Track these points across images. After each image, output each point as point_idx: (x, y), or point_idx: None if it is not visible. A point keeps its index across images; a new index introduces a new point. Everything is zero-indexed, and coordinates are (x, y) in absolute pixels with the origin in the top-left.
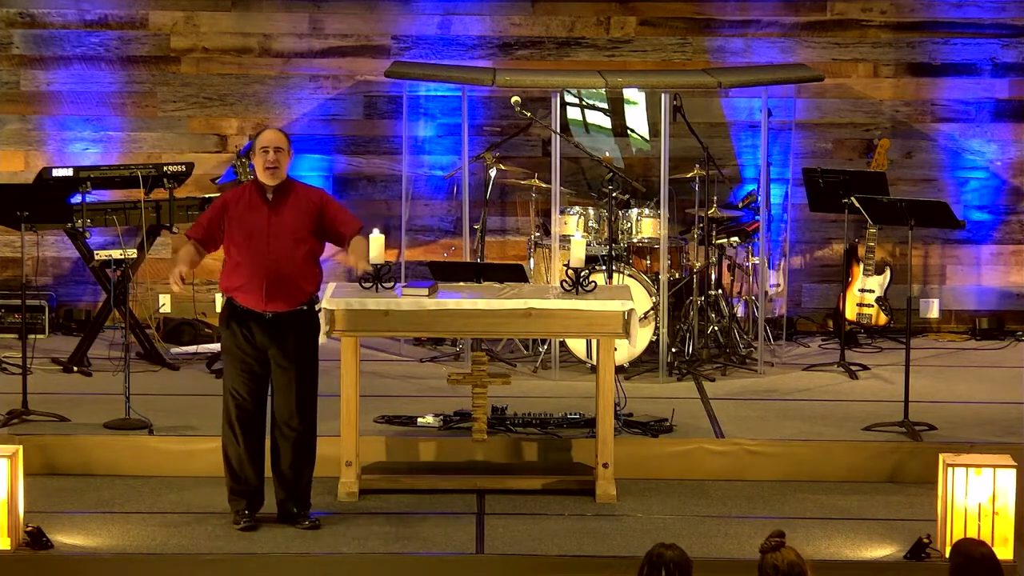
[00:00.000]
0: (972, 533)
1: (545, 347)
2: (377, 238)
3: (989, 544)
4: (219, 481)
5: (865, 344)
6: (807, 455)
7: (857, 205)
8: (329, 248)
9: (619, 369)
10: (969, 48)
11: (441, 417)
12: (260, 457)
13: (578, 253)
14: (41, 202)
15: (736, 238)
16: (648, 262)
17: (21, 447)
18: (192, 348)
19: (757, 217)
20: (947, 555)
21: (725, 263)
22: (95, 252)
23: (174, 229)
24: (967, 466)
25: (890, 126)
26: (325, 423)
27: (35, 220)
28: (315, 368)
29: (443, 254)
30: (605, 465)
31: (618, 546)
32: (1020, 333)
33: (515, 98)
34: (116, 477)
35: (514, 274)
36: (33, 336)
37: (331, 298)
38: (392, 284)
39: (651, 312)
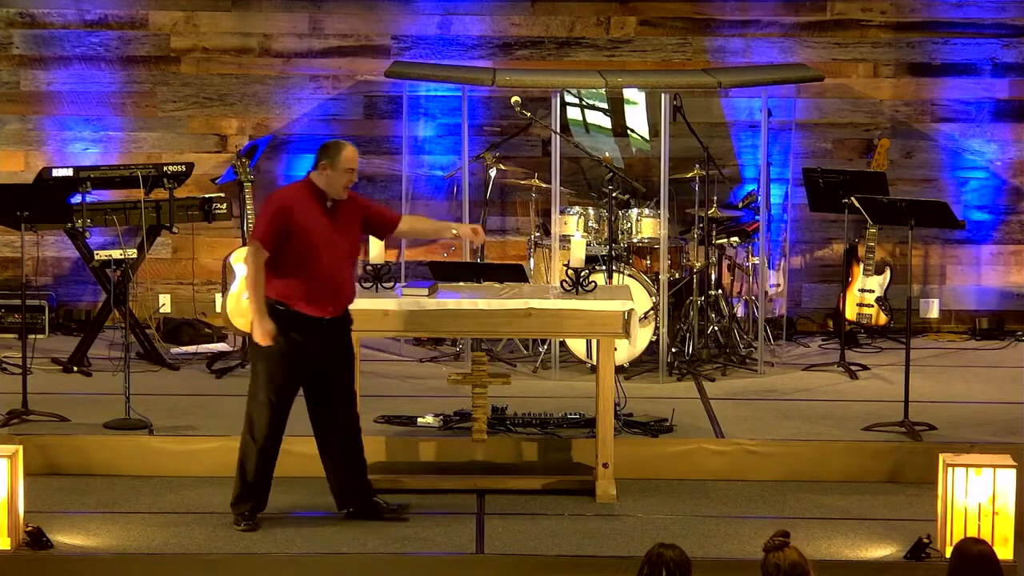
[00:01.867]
0: (972, 533)
1: (545, 347)
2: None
3: (989, 543)
4: (219, 481)
5: (865, 344)
6: (807, 455)
7: (857, 205)
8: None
9: (619, 369)
10: (969, 48)
11: (441, 417)
12: (275, 461)
13: (578, 253)
14: (41, 202)
15: (736, 238)
16: (648, 262)
17: (21, 447)
18: (192, 348)
19: (757, 217)
20: (947, 555)
21: (725, 263)
22: (95, 252)
23: (174, 229)
24: (967, 466)
25: (890, 126)
26: None
27: (35, 220)
28: (354, 362)
29: (443, 254)
30: (605, 465)
31: (618, 546)
32: (1020, 333)
33: (515, 98)
34: (116, 477)
35: (514, 274)
36: (33, 336)
37: None
38: (392, 284)
39: (651, 312)
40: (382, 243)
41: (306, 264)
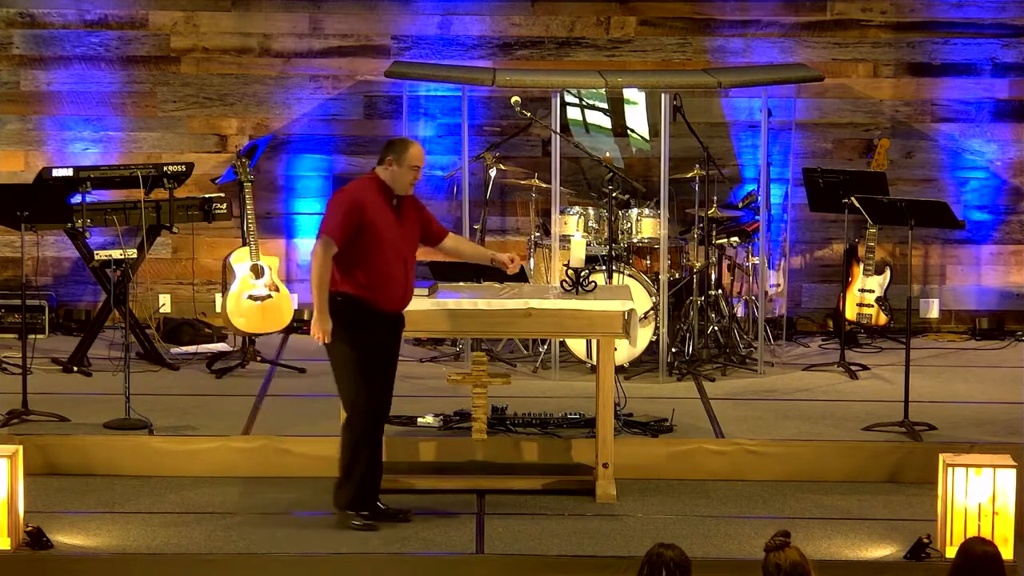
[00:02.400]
0: (972, 533)
1: (545, 347)
2: None
3: (995, 545)
4: (219, 481)
5: (865, 344)
6: (807, 455)
7: (857, 205)
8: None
9: (619, 369)
10: (969, 48)
11: (441, 417)
12: (379, 448)
13: (578, 253)
14: (41, 202)
15: (736, 238)
16: (648, 262)
17: (21, 447)
18: (192, 348)
19: (757, 217)
20: (947, 555)
21: (725, 263)
22: (95, 252)
23: (174, 229)
24: (967, 466)
25: (890, 126)
26: (325, 423)
27: (35, 220)
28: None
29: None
30: (605, 465)
31: (618, 546)
32: (1020, 333)
33: (515, 98)
34: (116, 477)
35: (514, 274)
36: (33, 336)
37: None
38: None
39: (651, 312)
40: None
41: (375, 259)
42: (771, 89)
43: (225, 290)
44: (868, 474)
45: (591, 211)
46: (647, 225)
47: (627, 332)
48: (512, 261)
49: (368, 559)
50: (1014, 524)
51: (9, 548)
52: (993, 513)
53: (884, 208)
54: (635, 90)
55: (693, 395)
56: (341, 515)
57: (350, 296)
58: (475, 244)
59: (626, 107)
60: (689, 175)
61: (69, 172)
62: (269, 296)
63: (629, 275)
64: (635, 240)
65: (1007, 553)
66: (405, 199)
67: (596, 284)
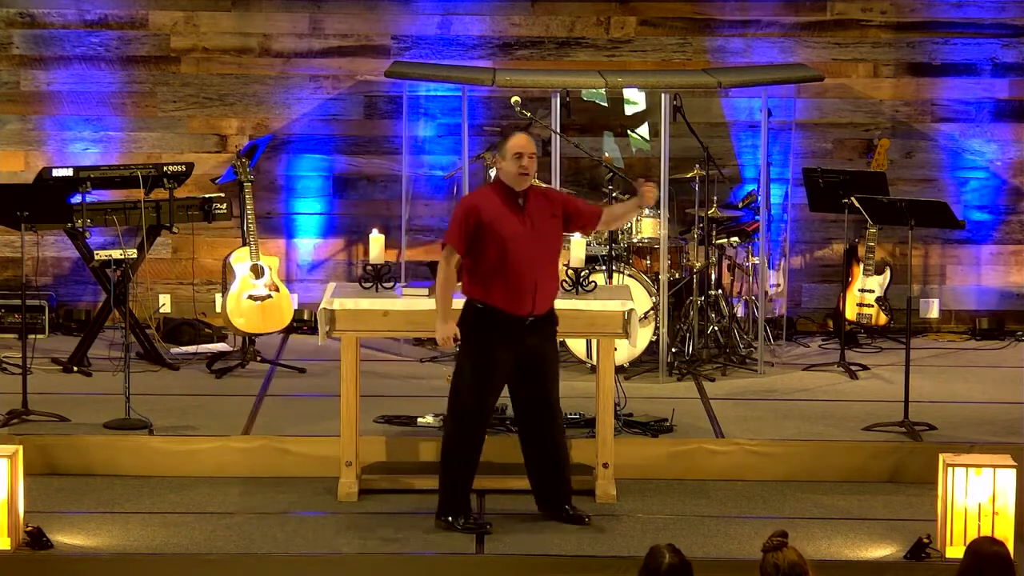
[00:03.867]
0: (972, 533)
1: None
2: (377, 238)
3: (1006, 546)
4: (219, 481)
5: (865, 344)
6: (807, 455)
7: (857, 205)
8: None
9: (619, 369)
10: (969, 48)
11: (441, 417)
12: (478, 452)
13: (578, 253)
14: (41, 202)
15: (736, 238)
16: (648, 262)
17: (21, 447)
18: (192, 348)
19: (757, 217)
20: (947, 555)
21: (725, 263)
22: (95, 252)
23: (174, 229)
24: (967, 466)
25: (890, 126)
26: (325, 423)
27: (35, 220)
28: (557, 366)
29: None
30: (605, 465)
31: (618, 546)
32: (1020, 333)
33: (515, 98)
34: (116, 477)
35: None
36: (33, 336)
37: (331, 298)
38: (392, 284)
39: (651, 312)
40: (382, 243)
41: (501, 262)
42: (771, 89)
43: (225, 290)
44: (868, 474)
45: None
46: (647, 225)
47: (627, 332)
48: (651, 191)
49: (368, 559)
50: (1014, 524)
51: (9, 548)
52: (993, 513)
53: (884, 208)
54: (635, 90)
55: (693, 395)
56: (438, 523)
57: (476, 301)
58: (620, 204)
59: (626, 107)
60: (689, 175)
61: (69, 172)
62: (269, 296)
63: (629, 275)
64: (635, 240)
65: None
66: (536, 195)
67: (596, 284)
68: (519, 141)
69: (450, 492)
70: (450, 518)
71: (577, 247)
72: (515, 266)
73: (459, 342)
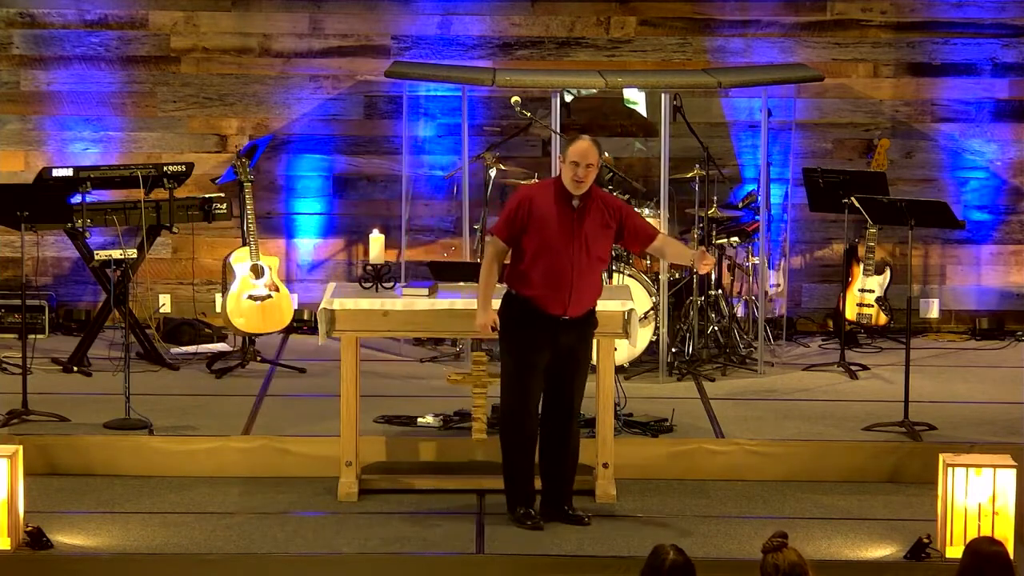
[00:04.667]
0: (972, 533)
1: None
2: (377, 238)
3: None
4: (219, 481)
5: (865, 344)
6: (807, 455)
7: (857, 205)
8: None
9: (619, 369)
10: (969, 48)
11: (441, 417)
12: (533, 447)
13: None
14: (41, 202)
15: (736, 238)
16: (648, 262)
17: (21, 447)
18: (192, 348)
19: (757, 217)
20: (947, 555)
21: (725, 263)
22: (95, 252)
23: (174, 229)
24: (967, 466)
25: (890, 126)
26: (325, 423)
27: (35, 220)
28: (587, 367)
29: (443, 254)
30: (605, 465)
31: (618, 546)
32: (1020, 333)
33: (515, 98)
34: (116, 477)
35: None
36: (33, 336)
37: (331, 298)
38: (392, 284)
39: (651, 312)
40: (382, 243)
41: (543, 259)
42: (771, 89)
43: (225, 290)
44: (868, 474)
45: None
46: None
47: (627, 332)
48: (705, 265)
49: (368, 559)
50: (1014, 524)
51: (9, 548)
52: (993, 513)
53: (884, 208)
54: (635, 90)
55: (693, 395)
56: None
57: (515, 295)
58: (680, 244)
59: (626, 107)
60: (689, 175)
61: (69, 172)
62: (269, 296)
63: (629, 275)
64: None
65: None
66: (594, 202)
67: None
68: (580, 148)
69: (508, 487)
70: (517, 510)
71: None
72: (554, 266)
73: (496, 329)
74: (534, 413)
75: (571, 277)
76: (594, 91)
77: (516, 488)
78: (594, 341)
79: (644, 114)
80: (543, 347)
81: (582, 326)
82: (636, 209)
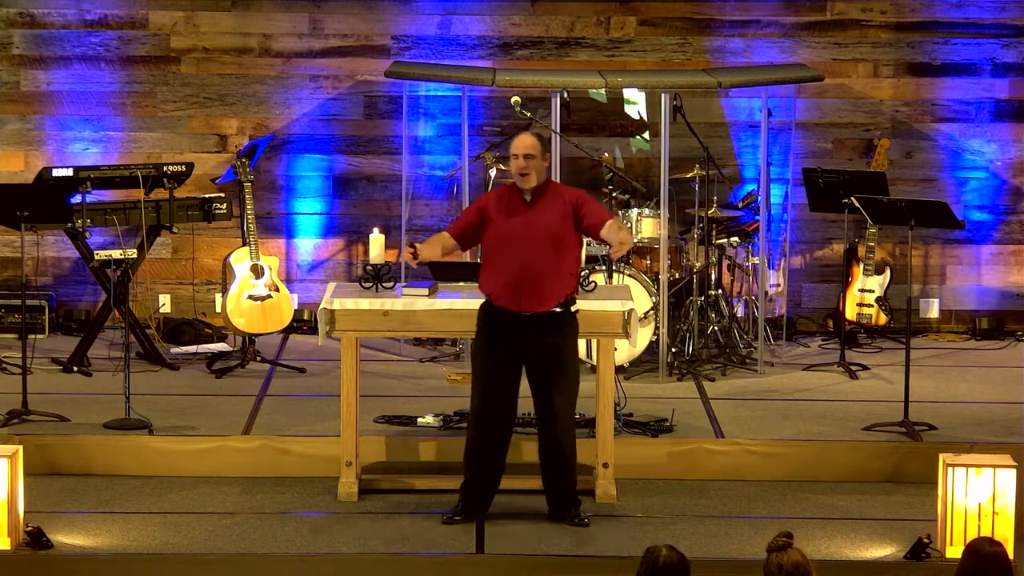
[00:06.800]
0: (972, 533)
1: None
2: (377, 238)
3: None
4: (219, 481)
5: (865, 344)
6: (807, 455)
7: (857, 205)
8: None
9: (619, 369)
10: (969, 48)
11: (441, 417)
12: (492, 451)
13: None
14: (41, 202)
15: (736, 238)
16: (648, 262)
17: (21, 447)
18: (192, 348)
19: (757, 217)
20: (947, 555)
21: (725, 263)
22: (95, 252)
23: (174, 229)
24: (967, 466)
25: (890, 126)
26: (325, 423)
27: (35, 220)
28: (570, 368)
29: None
30: (605, 465)
31: (618, 546)
32: (1020, 333)
33: (515, 98)
34: (116, 477)
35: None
36: (33, 336)
37: (331, 298)
38: (392, 284)
39: (651, 312)
40: (382, 243)
41: (497, 255)
42: (771, 89)
43: (225, 290)
44: (868, 474)
45: None
46: (647, 225)
47: (627, 332)
48: (622, 244)
49: (368, 559)
50: (1014, 524)
51: (9, 548)
52: (993, 513)
53: (884, 208)
54: (635, 90)
55: (693, 395)
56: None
57: (485, 298)
58: (623, 230)
59: (626, 107)
60: (689, 175)
61: (69, 172)
62: (269, 296)
63: (629, 275)
64: (635, 240)
65: (1007, 553)
66: (550, 194)
67: (596, 284)
68: (518, 140)
69: (462, 488)
70: (456, 507)
71: None
72: (508, 262)
73: (413, 251)
74: (491, 415)
75: (525, 272)
76: (602, 91)
77: (462, 487)
78: (582, 342)
79: (644, 115)
80: (502, 347)
81: (552, 326)
82: (636, 209)
